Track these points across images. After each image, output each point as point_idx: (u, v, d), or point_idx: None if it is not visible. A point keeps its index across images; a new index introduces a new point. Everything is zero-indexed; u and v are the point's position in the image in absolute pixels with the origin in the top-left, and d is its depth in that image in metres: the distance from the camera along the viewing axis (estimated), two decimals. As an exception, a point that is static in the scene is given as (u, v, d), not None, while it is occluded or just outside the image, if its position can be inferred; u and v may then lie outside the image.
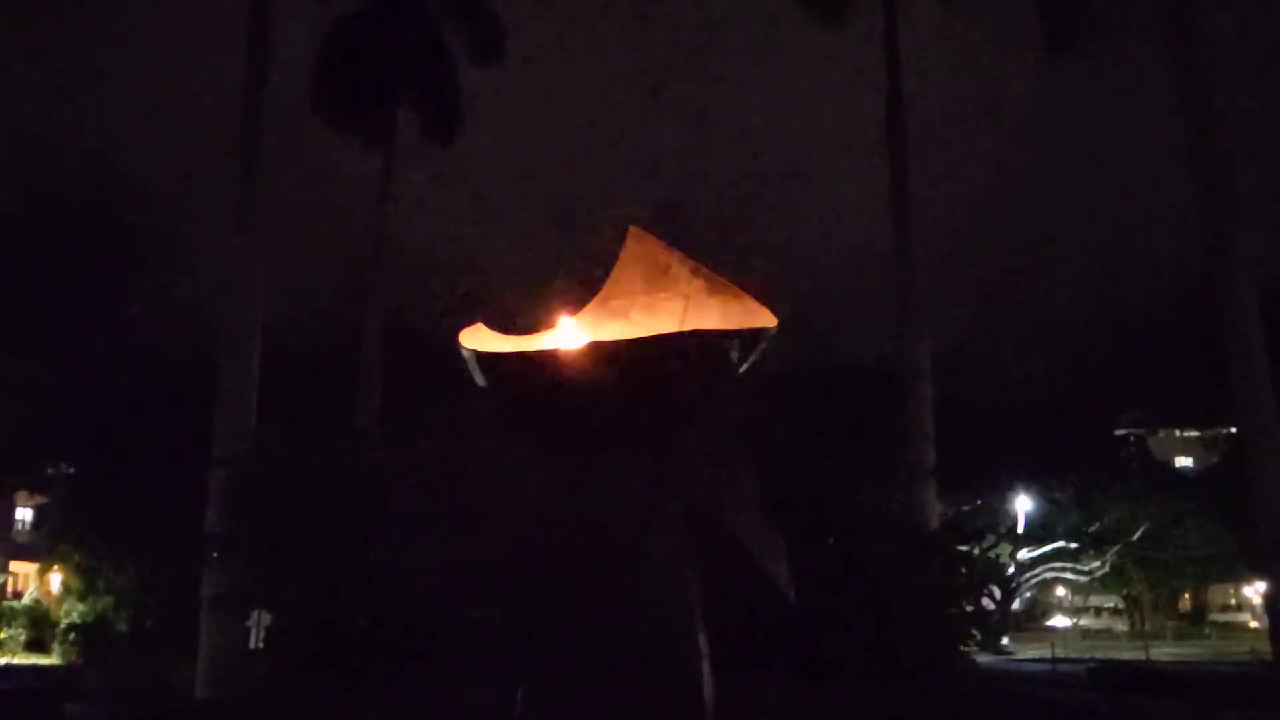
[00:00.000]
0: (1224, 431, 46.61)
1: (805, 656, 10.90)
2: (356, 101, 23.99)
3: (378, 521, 12.38)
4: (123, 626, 32.32)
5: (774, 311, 7.13)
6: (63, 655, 31.66)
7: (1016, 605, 47.16)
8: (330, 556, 12.68)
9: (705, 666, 6.44)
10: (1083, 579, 45.07)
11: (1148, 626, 48.85)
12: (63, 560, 35.09)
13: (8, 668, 28.51)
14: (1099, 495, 41.89)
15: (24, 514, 42.13)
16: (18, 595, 39.06)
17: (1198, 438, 57.24)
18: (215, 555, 15.54)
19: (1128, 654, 33.08)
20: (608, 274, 7.75)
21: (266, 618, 17.33)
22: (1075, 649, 37.02)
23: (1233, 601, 56.32)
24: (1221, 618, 54.58)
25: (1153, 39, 20.96)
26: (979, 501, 39.09)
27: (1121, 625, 52.55)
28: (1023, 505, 42.49)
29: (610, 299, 7.58)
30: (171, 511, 25.62)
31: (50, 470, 38.26)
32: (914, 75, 22.98)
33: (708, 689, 6.40)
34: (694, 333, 6.96)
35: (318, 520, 12.87)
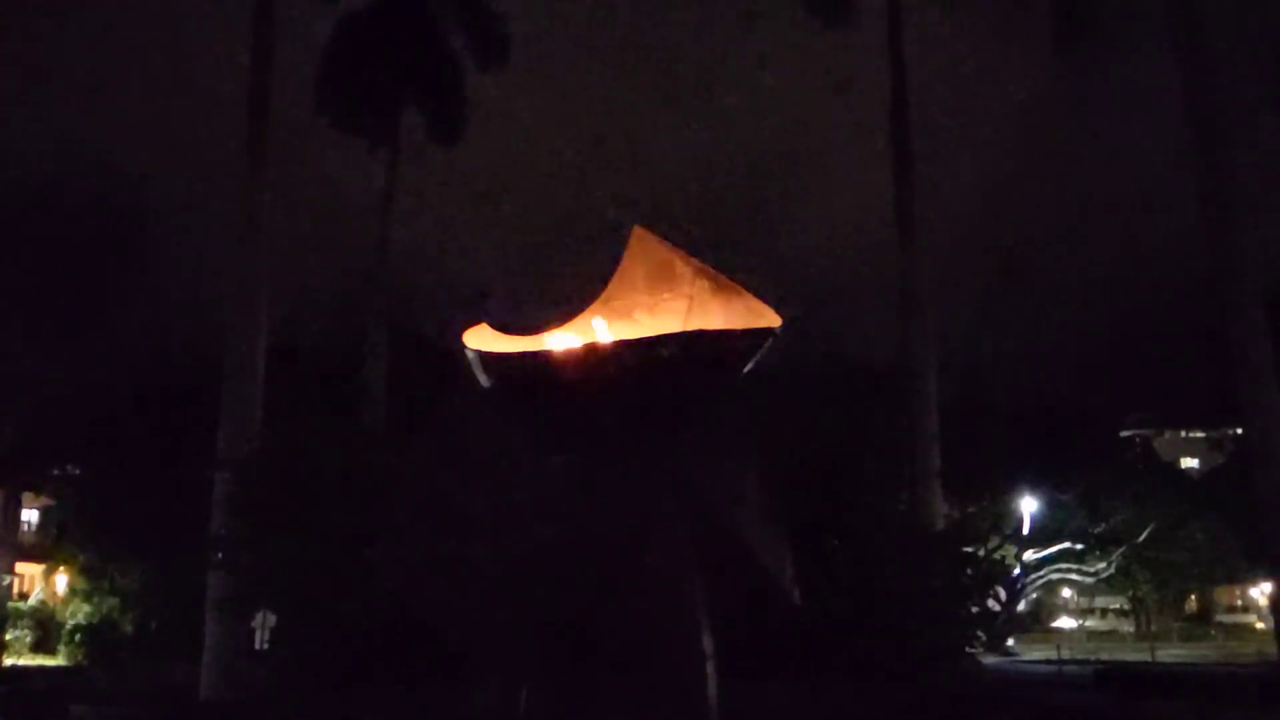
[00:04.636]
0: (1230, 432, 46.50)
1: (810, 657, 10.88)
2: (361, 103, 24.06)
3: (382, 522, 12.37)
4: (128, 628, 32.32)
5: (778, 311, 7.11)
6: (68, 656, 31.69)
7: (1022, 606, 47.08)
8: (334, 558, 12.68)
9: (709, 667, 6.42)
10: (1088, 580, 45.03)
11: (1153, 628, 48.72)
12: (68, 562, 35.14)
13: (14, 669, 28.56)
14: (1104, 496, 41.81)
15: (30, 515, 42.13)
16: (24, 597, 39.13)
17: (1203, 439, 57.12)
18: (220, 556, 15.57)
19: (1133, 655, 33.02)
20: (611, 274, 7.73)
21: (271, 619, 17.34)
22: (1081, 650, 36.99)
23: (1239, 603, 56.16)
24: (1227, 619, 54.44)
25: (1158, 36, 20.91)
26: (984, 502, 39.06)
27: (1127, 627, 52.43)
28: (1028, 506, 42.39)
29: (613, 299, 7.56)
30: (177, 513, 25.63)
31: (56, 472, 38.25)
32: (917, 73, 22.96)
33: (712, 690, 6.39)
34: (697, 332, 6.94)
35: (322, 521, 12.89)
